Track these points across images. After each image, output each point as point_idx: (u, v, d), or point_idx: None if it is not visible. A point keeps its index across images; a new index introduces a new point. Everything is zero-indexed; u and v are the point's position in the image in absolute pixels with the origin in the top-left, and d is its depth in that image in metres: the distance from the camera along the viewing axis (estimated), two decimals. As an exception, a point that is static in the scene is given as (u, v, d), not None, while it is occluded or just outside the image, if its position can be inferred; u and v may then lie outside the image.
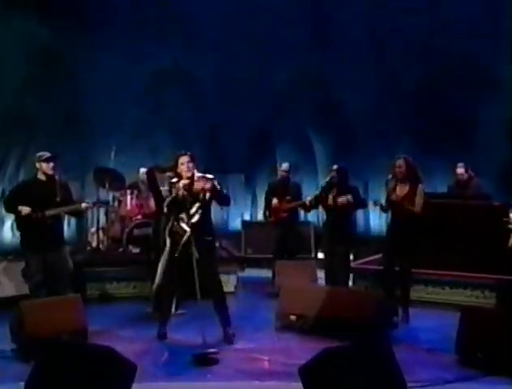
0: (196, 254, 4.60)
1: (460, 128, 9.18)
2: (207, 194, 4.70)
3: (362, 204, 6.54)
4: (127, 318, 5.83)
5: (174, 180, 4.83)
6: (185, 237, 4.67)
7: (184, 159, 4.75)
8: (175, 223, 4.75)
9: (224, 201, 4.95)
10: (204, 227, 4.73)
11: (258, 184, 10.18)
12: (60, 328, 4.58)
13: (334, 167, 6.33)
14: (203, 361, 4.35)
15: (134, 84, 9.62)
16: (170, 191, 4.77)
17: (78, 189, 8.30)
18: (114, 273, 6.86)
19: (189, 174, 4.71)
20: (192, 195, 4.69)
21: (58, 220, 5.27)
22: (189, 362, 4.39)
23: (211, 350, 4.39)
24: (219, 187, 4.79)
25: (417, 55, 9.43)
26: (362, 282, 6.71)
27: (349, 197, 5.99)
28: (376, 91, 9.63)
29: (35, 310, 4.70)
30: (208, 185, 4.64)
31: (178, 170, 4.79)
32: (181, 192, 4.67)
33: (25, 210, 5.06)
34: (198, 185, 4.67)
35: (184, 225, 4.70)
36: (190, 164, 4.73)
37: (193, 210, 4.68)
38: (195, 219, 4.68)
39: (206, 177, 4.74)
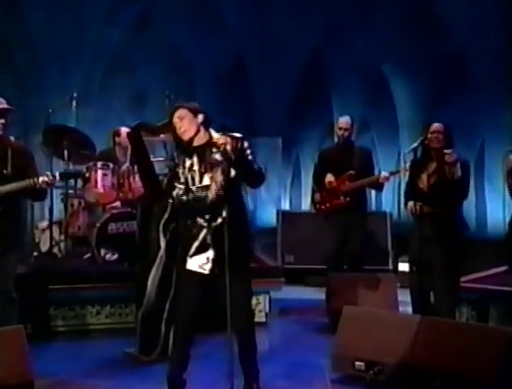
0: (209, 267, 4.62)
1: None
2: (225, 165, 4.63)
3: (463, 194, 6.35)
4: (97, 362, 5.84)
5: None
6: (201, 239, 4.66)
7: (175, 116, 4.77)
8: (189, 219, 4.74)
9: (253, 177, 4.85)
10: (234, 222, 4.67)
11: (303, 152, 10.07)
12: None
13: (436, 126, 6.13)
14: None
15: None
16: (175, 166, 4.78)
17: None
18: (77, 293, 6.86)
19: (185, 136, 4.72)
20: (206, 170, 4.69)
21: (7, 204, 5.24)
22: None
23: None
24: (249, 152, 4.69)
25: None
26: (469, 309, 6.69)
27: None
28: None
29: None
30: (229, 146, 4.57)
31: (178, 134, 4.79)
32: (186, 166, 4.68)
33: None
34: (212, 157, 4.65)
35: (201, 221, 4.69)
36: (185, 121, 4.72)
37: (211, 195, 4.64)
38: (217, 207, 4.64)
39: (231, 136, 4.66)
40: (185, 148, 4.79)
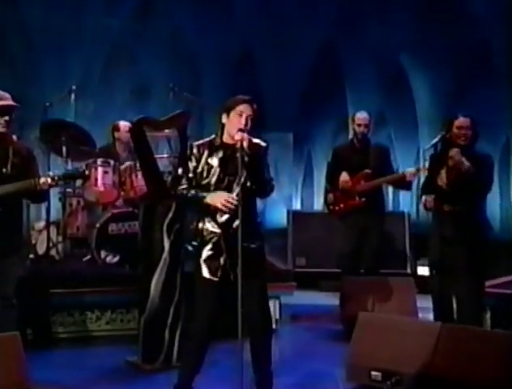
0: (220, 274, 4.65)
1: None
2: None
3: (482, 189, 6.28)
4: (98, 371, 5.83)
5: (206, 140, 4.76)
6: (214, 244, 4.68)
7: (245, 108, 4.67)
8: (202, 220, 4.74)
9: (261, 184, 4.82)
10: (248, 226, 4.66)
11: (315, 148, 10.04)
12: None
13: (463, 121, 6.06)
14: None
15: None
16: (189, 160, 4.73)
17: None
18: (76, 298, 6.85)
19: (238, 137, 4.60)
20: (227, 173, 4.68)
21: (7, 205, 5.23)
22: None
23: None
24: (265, 161, 4.75)
25: None
26: (493, 316, 6.69)
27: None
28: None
29: None
30: (245, 143, 4.55)
31: (226, 125, 4.71)
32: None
33: None
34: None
35: (212, 225, 4.69)
36: (251, 122, 4.65)
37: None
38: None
39: (256, 143, 4.69)
40: (212, 142, 4.73)
